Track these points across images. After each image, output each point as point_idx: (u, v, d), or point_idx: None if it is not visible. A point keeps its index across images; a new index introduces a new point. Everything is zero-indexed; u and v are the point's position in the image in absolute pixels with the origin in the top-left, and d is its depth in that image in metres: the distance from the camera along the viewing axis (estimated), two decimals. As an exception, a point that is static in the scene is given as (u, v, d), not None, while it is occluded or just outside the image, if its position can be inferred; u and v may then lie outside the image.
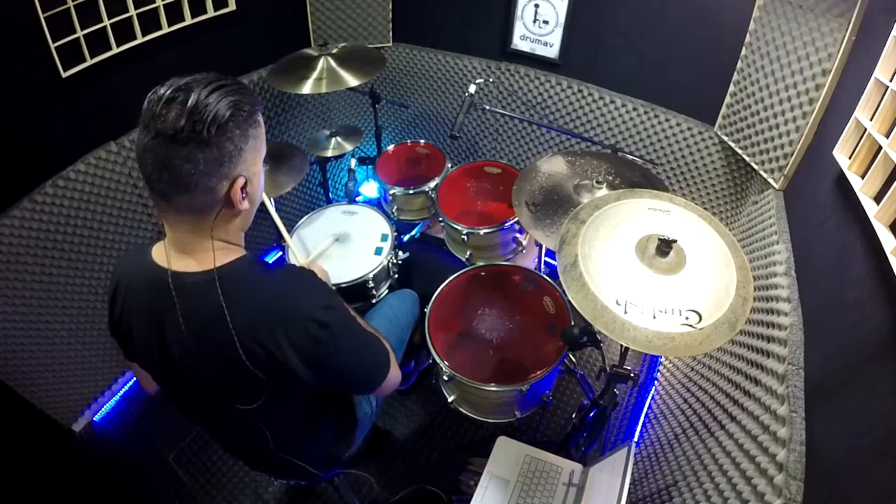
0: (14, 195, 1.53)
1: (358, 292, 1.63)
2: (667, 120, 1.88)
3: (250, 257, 0.84)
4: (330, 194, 2.39)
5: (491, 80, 2.15)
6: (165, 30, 1.72)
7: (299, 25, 2.26)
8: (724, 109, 1.69)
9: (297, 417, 0.98)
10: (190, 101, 0.67)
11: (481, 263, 1.70)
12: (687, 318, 0.90)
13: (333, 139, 2.09)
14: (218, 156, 0.70)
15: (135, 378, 1.88)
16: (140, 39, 1.66)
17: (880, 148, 0.94)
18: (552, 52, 2.05)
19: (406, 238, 2.36)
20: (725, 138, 1.71)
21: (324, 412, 1.09)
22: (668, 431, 1.53)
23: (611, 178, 1.51)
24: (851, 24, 1.19)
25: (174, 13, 1.74)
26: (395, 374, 0.99)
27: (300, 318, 0.79)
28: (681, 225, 1.05)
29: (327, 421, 1.12)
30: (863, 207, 0.94)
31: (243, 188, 0.76)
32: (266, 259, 2.52)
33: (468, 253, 1.84)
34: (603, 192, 1.45)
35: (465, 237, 1.76)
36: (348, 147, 2.08)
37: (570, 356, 1.88)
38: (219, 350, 0.78)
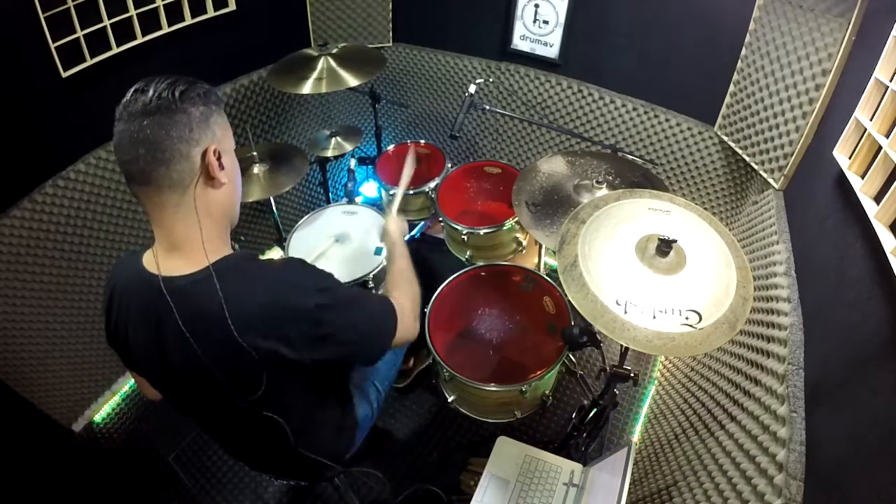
0: (14, 195, 1.53)
1: (358, 292, 1.63)
2: (667, 120, 1.88)
3: (241, 252, 0.86)
4: (330, 194, 2.39)
5: (491, 80, 2.15)
6: (165, 30, 1.72)
7: (299, 25, 2.26)
8: (724, 109, 1.68)
9: (297, 416, 0.98)
10: (155, 85, 0.75)
11: (481, 263, 1.70)
12: (687, 318, 0.90)
13: (333, 139, 2.09)
14: (186, 120, 0.75)
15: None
16: (140, 39, 1.66)
17: (880, 148, 0.94)
18: (552, 52, 2.05)
19: (406, 238, 2.35)
20: (725, 138, 1.71)
21: (324, 412, 1.09)
22: (668, 431, 1.53)
23: (611, 178, 1.51)
24: (851, 24, 1.19)
25: (174, 13, 1.74)
26: (406, 328, 0.99)
27: (300, 306, 0.80)
28: (681, 225, 1.05)
29: (327, 421, 1.12)
30: (863, 207, 0.94)
31: (219, 159, 0.79)
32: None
33: (468, 253, 1.84)
34: (603, 192, 1.45)
35: (465, 237, 1.76)
36: (348, 147, 2.08)
37: (570, 356, 1.88)
38: (219, 347, 0.78)
